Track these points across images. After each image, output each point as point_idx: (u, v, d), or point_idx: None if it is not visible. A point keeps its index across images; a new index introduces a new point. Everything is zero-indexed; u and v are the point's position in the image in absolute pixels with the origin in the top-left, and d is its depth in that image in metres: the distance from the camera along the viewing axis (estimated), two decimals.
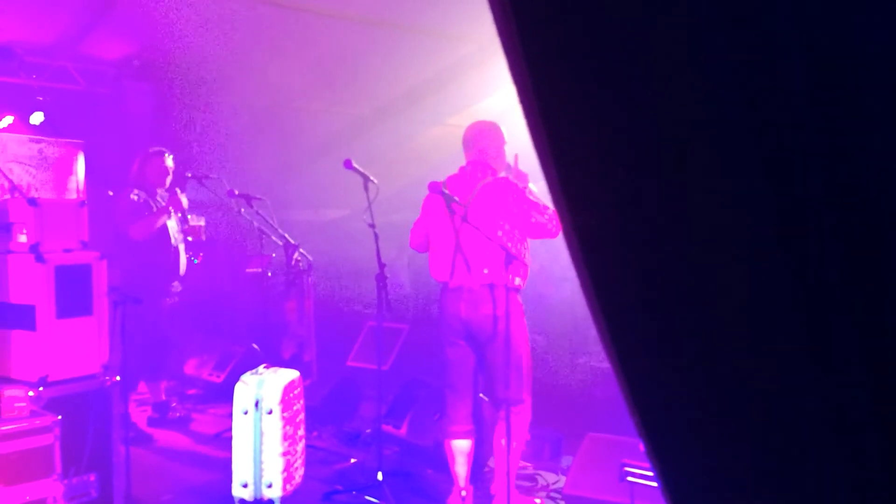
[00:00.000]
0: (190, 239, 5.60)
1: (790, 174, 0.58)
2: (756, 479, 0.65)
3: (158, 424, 5.61)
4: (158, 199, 5.40)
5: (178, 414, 5.72)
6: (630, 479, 3.35)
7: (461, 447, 3.87)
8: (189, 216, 5.57)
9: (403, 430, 4.77)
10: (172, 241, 5.40)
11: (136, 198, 5.27)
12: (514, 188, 3.79)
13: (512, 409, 3.71)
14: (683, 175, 0.61)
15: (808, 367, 0.61)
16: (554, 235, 3.75)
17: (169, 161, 5.48)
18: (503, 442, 3.74)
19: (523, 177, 3.83)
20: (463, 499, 3.85)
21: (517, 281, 3.78)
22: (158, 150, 5.48)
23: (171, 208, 5.36)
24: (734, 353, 0.63)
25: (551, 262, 6.44)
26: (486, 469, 4.53)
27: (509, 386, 3.72)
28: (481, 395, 4.28)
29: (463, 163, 3.97)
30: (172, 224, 5.42)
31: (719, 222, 0.60)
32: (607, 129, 0.61)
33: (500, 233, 3.71)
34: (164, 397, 5.69)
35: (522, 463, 4.44)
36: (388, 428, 4.72)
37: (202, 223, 5.61)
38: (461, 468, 3.87)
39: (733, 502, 0.67)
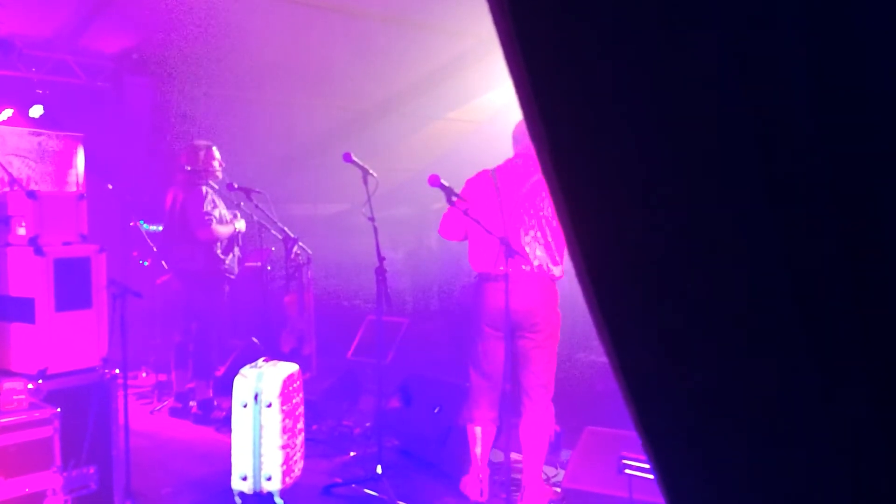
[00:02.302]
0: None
1: (794, 178, 0.58)
2: (753, 478, 0.65)
3: (179, 415, 5.63)
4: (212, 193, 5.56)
5: (192, 404, 5.73)
6: (628, 471, 3.36)
7: (481, 432, 4.03)
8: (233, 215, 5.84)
9: (403, 424, 4.77)
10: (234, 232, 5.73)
11: (205, 192, 5.49)
12: None
13: (543, 397, 3.94)
14: (685, 179, 0.61)
15: (807, 369, 0.61)
16: None
17: (216, 153, 5.60)
18: (533, 432, 3.92)
19: None
20: (480, 480, 4.03)
21: (557, 271, 3.91)
22: (207, 144, 5.58)
23: (234, 224, 5.61)
24: (733, 354, 0.63)
25: None
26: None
27: (539, 376, 3.91)
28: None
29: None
30: (227, 214, 5.68)
31: (721, 226, 0.61)
32: (607, 132, 0.61)
33: (538, 228, 3.86)
34: (185, 388, 5.71)
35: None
36: (387, 421, 4.72)
37: (242, 227, 5.77)
38: (481, 451, 4.05)
39: (731, 499, 0.67)
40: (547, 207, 3.87)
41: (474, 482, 4.05)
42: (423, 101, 7.90)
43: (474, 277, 4.08)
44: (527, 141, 3.98)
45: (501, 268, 3.83)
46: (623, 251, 0.63)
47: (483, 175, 3.98)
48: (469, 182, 4.05)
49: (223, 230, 5.50)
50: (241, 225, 5.70)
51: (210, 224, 5.40)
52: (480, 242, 3.96)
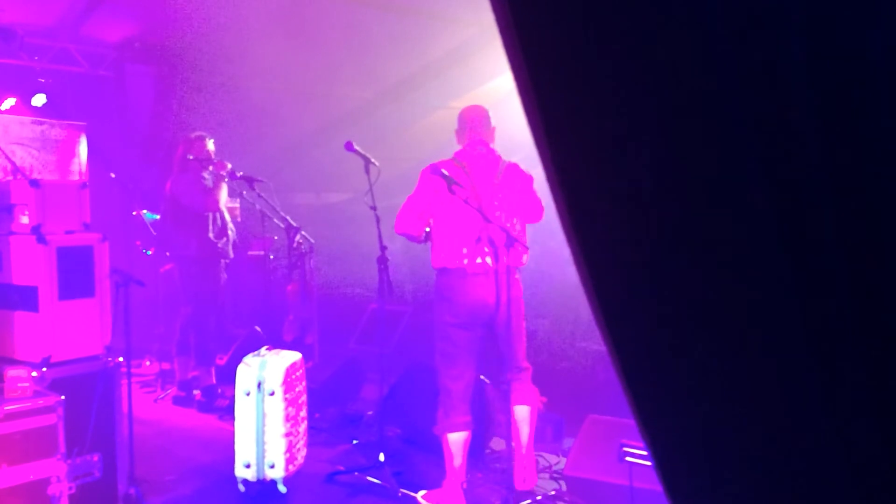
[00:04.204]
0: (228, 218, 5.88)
1: (793, 177, 0.58)
2: (749, 468, 0.66)
3: (183, 403, 5.65)
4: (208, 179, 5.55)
5: (196, 391, 5.74)
6: (629, 458, 3.37)
7: (464, 438, 3.80)
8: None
9: (405, 412, 4.79)
10: (226, 218, 5.72)
11: (207, 178, 5.52)
12: (529, 177, 3.92)
13: (523, 376, 3.92)
14: (686, 175, 0.61)
15: (804, 358, 0.61)
16: (538, 220, 3.93)
17: (210, 145, 5.61)
18: (520, 410, 3.89)
19: None
20: (465, 490, 3.84)
21: (524, 259, 3.88)
22: (200, 135, 5.60)
23: (224, 174, 5.52)
24: (731, 348, 0.63)
25: (559, 245, 6.44)
26: (487, 451, 4.56)
27: (516, 359, 3.88)
28: (482, 377, 4.31)
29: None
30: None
31: (722, 224, 0.61)
32: (606, 125, 0.61)
33: (510, 217, 3.80)
34: (188, 376, 5.73)
35: None
36: (389, 409, 4.74)
37: (237, 205, 5.78)
38: (462, 459, 3.81)
39: (728, 484, 0.68)
40: (519, 196, 3.83)
41: (457, 493, 3.79)
42: (426, 89, 7.88)
43: (439, 273, 3.84)
44: (480, 129, 3.89)
45: (479, 260, 3.70)
46: (622, 246, 0.63)
47: (448, 164, 3.74)
48: (428, 171, 3.80)
49: (223, 194, 5.50)
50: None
51: (210, 191, 5.42)
52: (454, 235, 3.74)
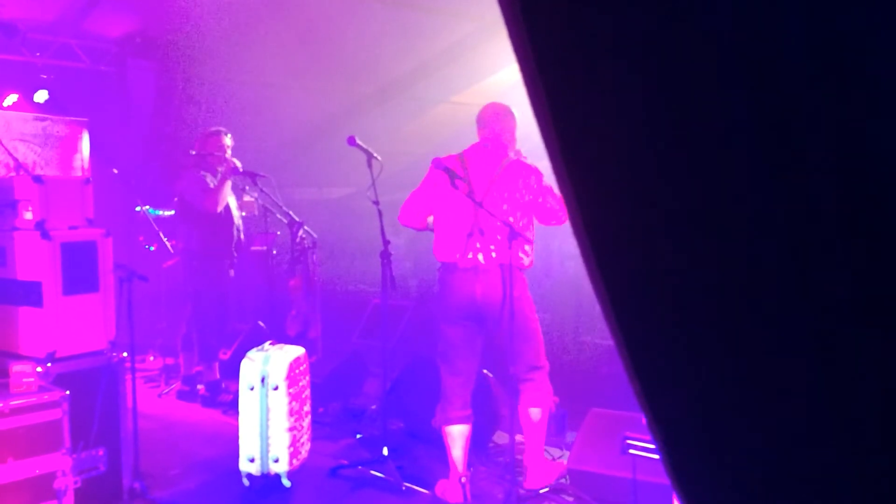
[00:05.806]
0: (244, 213, 5.83)
1: (795, 167, 0.59)
2: (760, 460, 0.66)
3: (187, 397, 5.67)
4: (218, 177, 5.49)
5: (200, 386, 5.76)
6: (632, 451, 3.37)
7: (462, 432, 3.87)
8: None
9: (408, 406, 4.80)
10: (234, 216, 5.65)
11: (206, 178, 5.45)
12: (534, 170, 3.87)
13: (537, 375, 3.90)
14: (689, 167, 0.61)
15: (810, 354, 0.62)
16: (562, 222, 3.89)
17: (228, 140, 5.54)
18: (533, 412, 3.89)
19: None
20: (463, 485, 3.86)
21: (525, 261, 3.85)
22: (216, 130, 5.55)
23: (229, 173, 5.46)
24: (738, 336, 0.64)
25: (560, 241, 6.45)
26: (491, 445, 4.57)
27: (526, 358, 3.87)
28: (485, 371, 4.32)
29: (468, 139, 3.99)
30: (232, 200, 5.62)
31: (727, 215, 0.61)
32: (614, 119, 0.62)
33: (514, 213, 3.78)
34: (192, 371, 5.74)
35: None
36: (392, 403, 4.75)
37: (254, 197, 5.78)
38: (461, 453, 3.87)
39: (734, 473, 0.68)
40: (527, 192, 3.81)
41: (455, 487, 3.86)
42: (428, 84, 7.88)
43: (439, 268, 3.90)
44: (494, 126, 3.89)
45: (470, 255, 3.73)
46: (632, 240, 0.64)
47: (451, 159, 3.81)
48: (430, 175, 3.89)
49: (223, 194, 5.41)
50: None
51: (210, 191, 5.33)
52: (450, 230, 3.81)
